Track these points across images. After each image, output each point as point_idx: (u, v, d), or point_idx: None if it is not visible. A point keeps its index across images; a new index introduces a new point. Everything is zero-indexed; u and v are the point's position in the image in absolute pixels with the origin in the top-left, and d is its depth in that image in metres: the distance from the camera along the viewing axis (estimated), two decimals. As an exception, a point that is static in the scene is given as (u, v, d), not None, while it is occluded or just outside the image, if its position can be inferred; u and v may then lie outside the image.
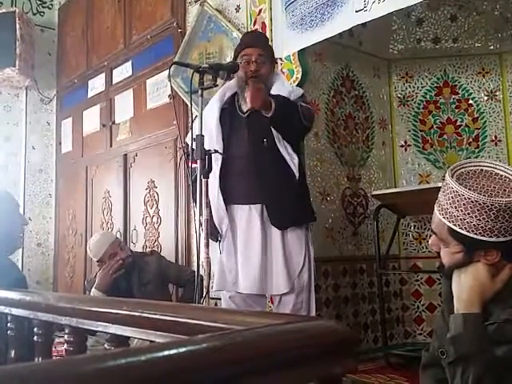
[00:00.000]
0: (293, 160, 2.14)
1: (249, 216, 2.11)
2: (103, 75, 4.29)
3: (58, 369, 0.50)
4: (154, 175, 3.66)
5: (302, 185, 2.21)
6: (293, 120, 2.07)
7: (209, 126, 2.16)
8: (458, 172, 1.19)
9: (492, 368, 1.06)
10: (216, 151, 2.08)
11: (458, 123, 3.34)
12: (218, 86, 2.14)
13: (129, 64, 4.00)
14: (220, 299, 2.42)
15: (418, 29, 3.36)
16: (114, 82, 4.17)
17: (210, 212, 2.10)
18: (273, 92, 2.15)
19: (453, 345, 1.10)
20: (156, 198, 3.64)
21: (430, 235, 1.26)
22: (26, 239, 4.41)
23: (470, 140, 3.31)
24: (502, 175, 1.17)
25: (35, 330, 1.38)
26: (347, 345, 0.73)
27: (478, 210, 1.11)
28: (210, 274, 1.92)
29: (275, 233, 2.10)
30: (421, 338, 3.15)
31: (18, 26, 4.32)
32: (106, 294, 2.71)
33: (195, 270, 2.56)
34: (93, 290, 2.75)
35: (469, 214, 1.12)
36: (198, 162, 1.96)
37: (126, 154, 3.94)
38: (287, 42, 2.76)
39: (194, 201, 2.11)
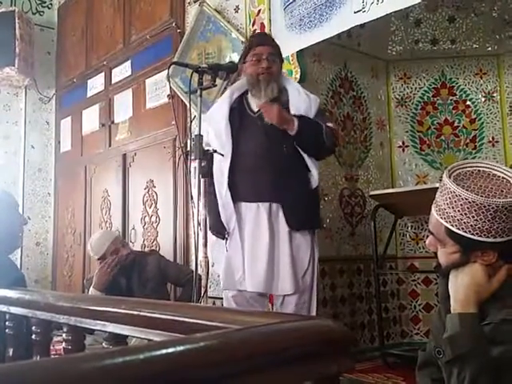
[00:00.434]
0: (314, 165, 2.17)
1: (256, 214, 2.11)
2: (102, 75, 4.29)
3: (56, 367, 0.50)
4: (153, 175, 3.66)
5: (316, 191, 2.24)
6: (317, 142, 2.11)
7: (217, 124, 2.17)
8: (456, 173, 1.20)
9: (488, 368, 1.06)
10: (215, 151, 2.09)
11: (456, 124, 3.34)
12: (216, 86, 2.15)
13: (128, 64, 4.00)
14: (218, 298, 2.43)
15: (415, 30, 3.36)
16: (113, 82, 4.17)
17: (218, 210, 2.11)
18: (291, 102, 2.16)
19: (449, 345, 1.10)
20: (155, 197, 3.64)
21: (427, 235, 1.26)
22: (25, 238, 4.41)
23: (468, 141, 3.32)
24: (499, 176, 1.18)
25: (33, 328, 1.38)
26: (344, 343, 0.73)
27: (475, 211, 1.11)
28: (208, 273, 1.93)
29: (283, 233, 2.10)
30: (417, 338, 3.15)
31: (17, 25, 4.32)
32: (105, 293, 2.71)
33: (193, 269, 2.56)
34: (91, 289, 2.75)
35: (466, 214, 1.12)
36: (197, 161, 1.96)
37: (124, 154, 3.94)
38: (286, 43, 2.75)
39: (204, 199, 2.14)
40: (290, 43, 2.73)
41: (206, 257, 1.94)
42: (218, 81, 2.11)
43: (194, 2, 3.39)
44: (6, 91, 4.71)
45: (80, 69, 4.58)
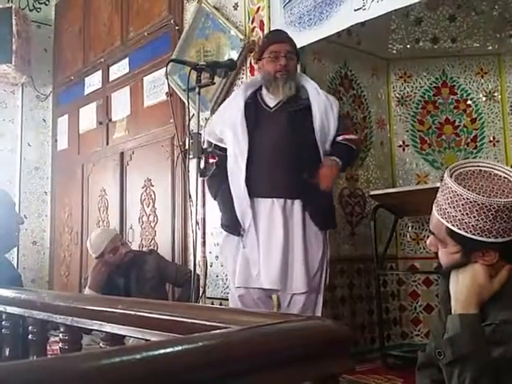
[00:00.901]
0: None
1: (271, 210, 2.12)
2: (100, 72, 4.27)
3: (53, 366, 0.50)
4: (151, 173, 3.65)
5: (331, 194, 2.27)
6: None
7: (232, 120, 2.18)
8: (457, 172, 1.19)
9: (489, 369, 1.05)
10: (214, 151, 2.07)
11: (457, 123, 3.34)
12: (215, 83, 2.14)
13: (126, 61, 3.98)
14: (217, 299, 2.42)
15: (416, 28, 3.35)
16: (110, 79, 4.15)
17: (233, 206, 2.11)
18: (312, 99, 2.19)
19: (450, 346, 1.10)
20: (153, 196, 3.63)
21: (428, 235, 1.26)
22: (22, 237, 4.38)
23: (469, 140, 3.31)
24: (500, 176, 1.17)
25: (30, 328, 1.37)
26: (344, 344, 0.72)
27: (476, 211, 1.11)
28: (206, 273, 1.92)
29: (297, 230, 2.11)
30: (418, 339, 3.14)
31: (14, 22, 4.30)
32: (101, 292, 2.69)
33: (192, 269, 2.55)
34: (86, 289, 2.73)
35: (467, 214, 1.12)
36: (195, 160, 1.95)
37: (122, 152, 3.93)
38: (285, 41, 2.75)
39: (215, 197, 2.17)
40: (290, 41, 2.72)
41: (205, 256, 1.93)
42: (217, 78, 2.11)
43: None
44: (3, 89, 4.69)
45: (77, 66, 4.56)
